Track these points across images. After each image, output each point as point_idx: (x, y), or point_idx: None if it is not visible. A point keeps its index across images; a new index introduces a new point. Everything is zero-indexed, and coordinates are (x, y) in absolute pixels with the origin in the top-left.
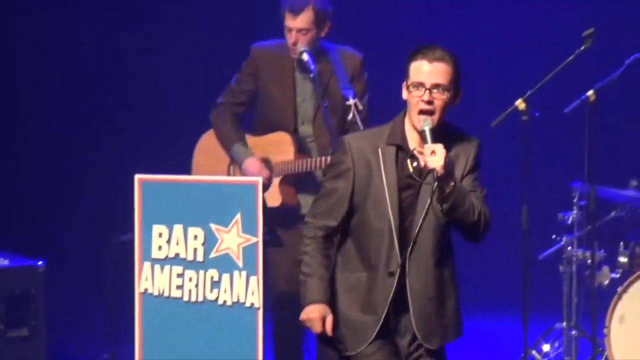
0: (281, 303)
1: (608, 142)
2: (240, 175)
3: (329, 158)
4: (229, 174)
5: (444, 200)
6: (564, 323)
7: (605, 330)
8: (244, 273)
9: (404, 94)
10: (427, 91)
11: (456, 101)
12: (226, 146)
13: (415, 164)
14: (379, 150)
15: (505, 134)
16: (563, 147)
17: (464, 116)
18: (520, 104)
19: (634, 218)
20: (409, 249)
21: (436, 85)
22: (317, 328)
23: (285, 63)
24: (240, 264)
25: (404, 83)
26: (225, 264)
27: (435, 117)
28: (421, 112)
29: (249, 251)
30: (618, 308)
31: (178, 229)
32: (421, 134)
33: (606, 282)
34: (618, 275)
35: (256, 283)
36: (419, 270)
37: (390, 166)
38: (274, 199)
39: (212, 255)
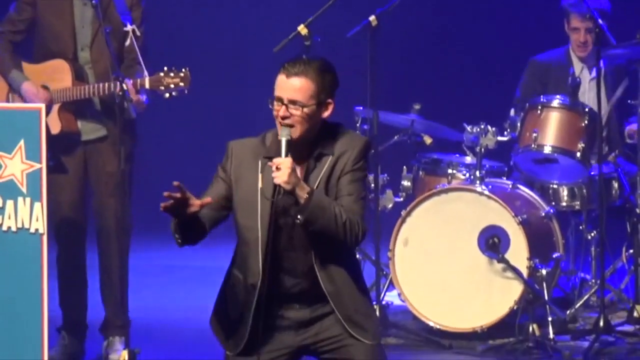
0: (65, 230)
1: (390, 66)
2: (20, 103)
3: (109, 84)
4: (7, 102)
5: (299, 212)
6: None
7: (389, 254)
8: (28, 199)
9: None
10: (284, 106)
11: (325, 113)
12: (3, 74)
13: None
14: (259, 162)
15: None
16: (346, 71)
17: None
18: (302, 29)
19: (416, 142)
20: (314, 260)
21: (292, 102)
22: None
23: None
24: (24, 190)
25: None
26: (9, 190)
27: (297, 130)
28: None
29: (32, 177)
30: (402, 231)
31: None
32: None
33: (390, 205)
34: (402, 199)
35: (40, 209)
36: (330, 275)
37: (266, 179)
38: (55, 125)
39: None
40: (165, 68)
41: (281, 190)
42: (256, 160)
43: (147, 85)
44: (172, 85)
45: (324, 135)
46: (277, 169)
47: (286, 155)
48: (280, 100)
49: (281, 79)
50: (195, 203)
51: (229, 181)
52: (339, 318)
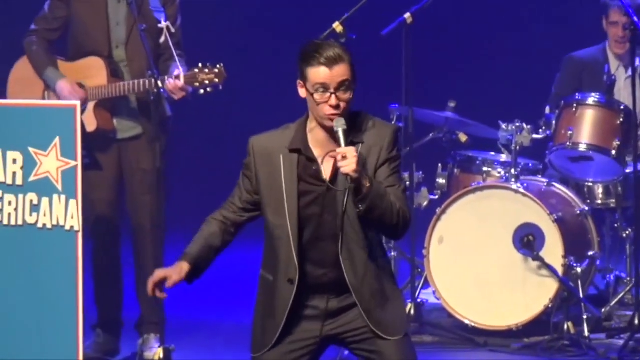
0: (100, 227)
1: (425, 63)
2: (55, 100)
3: (144, 81)
4: (43, 100)
5: (360, 202)
6: (384, 244)
7: (424, 252)
8: (63, 197)
9: (303, 93)
10: (333, 95)
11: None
12: (39, 72)
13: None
14: (281, 156)
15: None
16: (381, 69)
17: None
18: (337, 26)
19: (452, 140)
20: (340, 249)
21: (341, 88)
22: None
23: None
24: (59, 187)
25: (300, 80)
26: (44, 187)
27: (343, 117)
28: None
29: (68, 175)
30: (437, 229)
31: None
32: (335, 135)
33: (425, 203)
34: (437, 197)
35: (75, 206)
36: (355, 268)
37: (289, 172)
38: (90, 123)
39: (32, 179)
40: (200, 64)
41: (348, 179)
42: (279, 153)
43: (182, 82)
44: (206, 82)
45: (351, 123)
46: (343, 157)
47: (346, 145)
48: (326, 89)
49: (323, 70)
50: (174, 276)
51: (254, 178)
52: (360, 310)
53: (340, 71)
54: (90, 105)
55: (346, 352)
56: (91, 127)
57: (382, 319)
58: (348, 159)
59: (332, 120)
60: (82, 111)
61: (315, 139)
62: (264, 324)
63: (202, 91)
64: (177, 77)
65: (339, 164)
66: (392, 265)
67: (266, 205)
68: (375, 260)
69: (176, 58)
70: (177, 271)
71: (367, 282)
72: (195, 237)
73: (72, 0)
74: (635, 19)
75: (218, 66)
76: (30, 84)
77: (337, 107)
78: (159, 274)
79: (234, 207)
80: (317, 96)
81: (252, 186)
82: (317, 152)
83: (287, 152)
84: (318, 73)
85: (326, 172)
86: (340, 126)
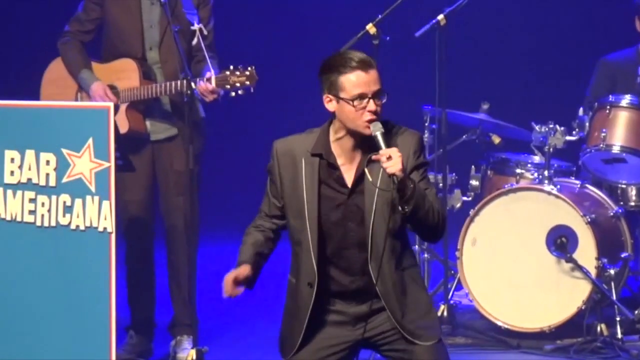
0: (133, 229)
1: (459, 65)
2: (88, 101)
3: (176, 83)
4: (76, 101)
5: (406, 203)
6: (417, 246)
7: (457, 253)
8: (96, 198)
9: (333, 106)
10: (372, 101)
11: None
12: (73, 73)
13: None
14: (302, 160)
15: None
16: (414, 70)
17: None
18: (370, 28)
19: (485, 141)
20: (369, 258)
21: (378, 94)
22: (224, 291)
23: None
24: (92, 188)
25: (328, 94)
26: (77, 188)
27: (379, 119)
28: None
29: (101, 176)
30: (470, 231)
31: (30, 154)
32: (374, 139)
33: (458, 205)
34: (470, 199)
35: (109, 208)
36: (383, 276)
37: (310, 176)
38: (122, 125)
39: (65, 180)
40: (232, 67)
41: (395, 179)
42: (301, 157)
43: (213, 84)
44: (238, 84)
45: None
46: (389, 158)
47: (387, 147)
48: (364, 96)
49: (359, 75)
50: (243, 272)
51: (278, 182)
52: (391, 318)
53: (375, 75)
54: (123, 107)
55: (378, 356)
56: (123, 128)
57: (413, 326)
58: (393, 159)
59: (369, 127)
60: (115, 112)
61: (341, 147)
62: (290, 326)
63: (233, 93)
64: (209, 80)
65: (385, 165)
66: (425, 267)
67: (288, 209)
68: (404, 267)
69: (208, 60)
70: (242, 270)
71: (397, 290)
72: (241, 248)
73: (106, 2)
74: None
75: (249, 68)
76: (64, 85)
77: (375, 112)
78: (229, 276)
79: (266, 217)
80: (357, 103)
81: (277, 192)
82: (340, 161)
83: (309, 155)
84: (356, 78)
85: (348, 179)
86: (378, 129)
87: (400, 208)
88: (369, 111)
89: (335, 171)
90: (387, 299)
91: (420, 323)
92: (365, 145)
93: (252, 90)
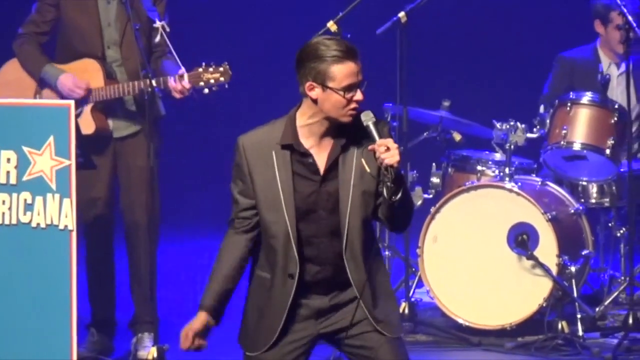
0: (94, 226)
1: (420, 62)
2: (48, 99)
3: (140, 82)
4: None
5: (394, 193)
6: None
7: (418, 251)
8: (57, 196)
9: (317, 94)
10: (358, 90)
11: None
12: (35, 71)
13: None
14: (273, 152)
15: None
16: (375, 68)
17: None
18: (332, 25)
19: (446, 139)
20: (344, 248)
21: (364, 83)
22: (181, 344)
23: None
24: (53, 186)
25: (313, 82)
26: (38, 186)
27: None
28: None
29: (62, 174)
30: (431, 228)
31: None
32: (367, 129)
33: (419, 202)
34: (431, 196)
35: (69, 205)
36: (358, 266)
37: (284, 168)
38: (89, 126)
39: (25, 178)
40: (204, 63)
41: (392, 171)
42: (271, 150)
43: (186, 81)
44: (212, 81)
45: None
46: (387, 149)
47: (380, 137)
48: (354, 87)
49: (350, 65)
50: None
51: (248, 178)
52: (363, 308)
53: (360, 65)
54: (87, 108)
55: (338, 353)
56: (90, 129)
57: (382, 316)
58: (392, 150)
59: (352, 116)
60: (79, 114)
61: (310, 131)
62: (260, 323)
63: (206, 90)
64: (181, 77)
65: (382, 156)
66: (386, 265)
67: (261, 203)
68: (374, 259)
69: (176, 57)
70: (199, 324)
71: (369, 280)
72: (209, 282)
73: (62, 3)
74: (630, 18)
75: (223, 65)
76: (20, 86)
77: (360, 102)
78: (187, 331)
79: (240, 222)
80: (345, 93)
81: (248, 189)
82: (307, 144)
83: (279, 148)
84: (348, 69)
85: (320, 164)
86: (370, 119)
87: (387, 198)
88: (356, 100)
89: (307, 158)
90: (360, 288)
91: (388, 315)
92: (335, 131)
93: (226, 87)
